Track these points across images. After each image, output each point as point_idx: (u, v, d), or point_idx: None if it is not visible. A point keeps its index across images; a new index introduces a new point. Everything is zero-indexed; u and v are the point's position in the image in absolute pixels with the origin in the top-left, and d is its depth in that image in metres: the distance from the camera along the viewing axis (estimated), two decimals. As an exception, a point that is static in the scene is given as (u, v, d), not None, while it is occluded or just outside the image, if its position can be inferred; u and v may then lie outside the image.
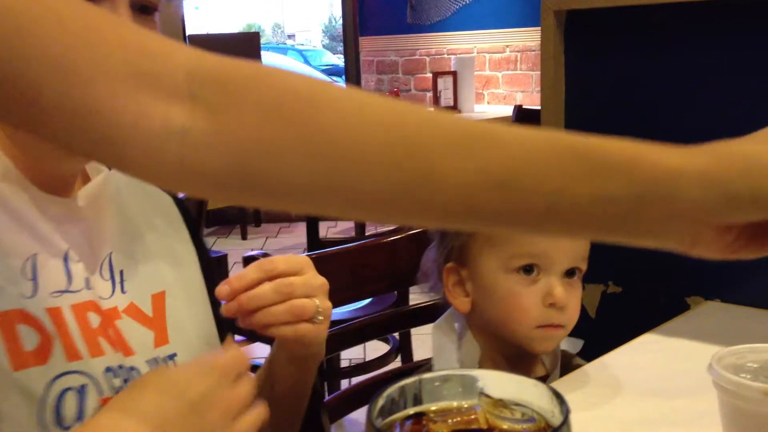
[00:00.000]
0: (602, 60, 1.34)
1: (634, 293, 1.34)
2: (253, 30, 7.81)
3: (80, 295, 0.69)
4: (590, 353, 1.08)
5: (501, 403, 0.50)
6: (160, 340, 0.75)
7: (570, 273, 0.99)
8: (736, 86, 1.20)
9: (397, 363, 2.37)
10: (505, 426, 0.49)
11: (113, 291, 0.73)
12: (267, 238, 5.45)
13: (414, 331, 2.04)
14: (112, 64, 0.47)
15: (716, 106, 1.22)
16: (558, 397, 0.48)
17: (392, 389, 0.48)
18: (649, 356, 1.05)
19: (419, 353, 2.35)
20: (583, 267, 1.00)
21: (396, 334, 2.47)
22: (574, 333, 1.08)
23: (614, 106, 1.33)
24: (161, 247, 0.81)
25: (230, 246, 5.15)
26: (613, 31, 1.32)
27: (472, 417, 0.49)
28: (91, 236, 0.72)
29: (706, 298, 1.26)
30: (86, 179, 0.76)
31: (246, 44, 5.85)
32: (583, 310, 1.39)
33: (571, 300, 0.98)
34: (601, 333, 1.11)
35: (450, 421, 0.49)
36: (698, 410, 0.82)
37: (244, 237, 5.38)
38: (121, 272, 0.75)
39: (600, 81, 1.34)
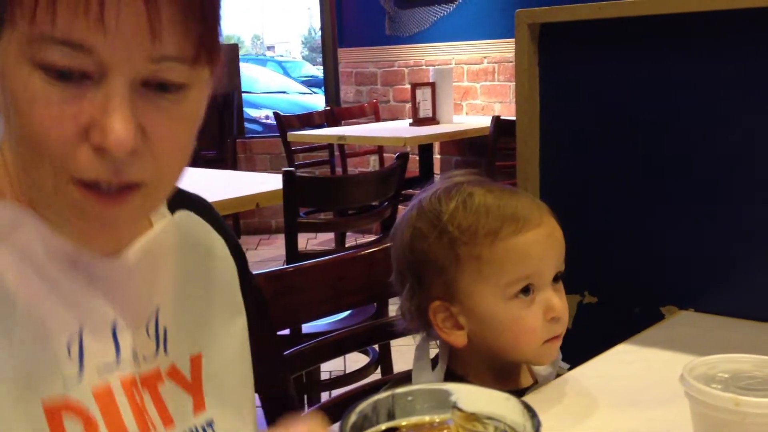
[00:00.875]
0: (576, 72, 1.35)
1: (609, 303, 1.35)
2: (232, 42, 7.80)
3: (128, 366, 0.65)
4: (571, 364, 1.08)
5: (473, 417, 0.51)
6: (197, 406, 0.73)
7: (555, 279, 0.99)
8: (709, 98, 1.22)
9: (377, 375, 2.37)
10: (477, 440, 0.49)
11: (157, 351, 0.70)
12: (247, 250, 5.41)
13: (393, 342, 2.04)
14: None
15: (691, 116, 1.24)
16: (529, 410, 0.48)
17: (364, 405, 0.49)
18: (624, 367, 1.06)
19: (399, 365, 2.35)
20: (563, 267, 1.01)
21: (376, 346, 2.47)
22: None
23: (589, 117, 1.35)
24: (205, 302, 0.77)
25: (209, 258, 5.11)
26: (587, 43, 1.33)
27: (446, 431, 0.50)
28: (141, 294, 0.69)
29: (680, 308, 1.27)
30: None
31: (225, 56, 5.83)
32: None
33: (564, 306, 0.99)
34: (577, 343, 1.12)
35: (423, 435, 0.49)
36: (672, 420, 0.82)
37: (223, 249, 5.34)
38: (165, 330, 0.71)
39: (574, 93, 1.36)
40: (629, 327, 1.19)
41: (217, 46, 0.62)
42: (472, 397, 0.52)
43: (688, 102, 1.24)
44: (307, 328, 2.24)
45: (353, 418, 0.47)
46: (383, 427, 0.49)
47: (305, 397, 2.55)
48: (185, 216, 0.76)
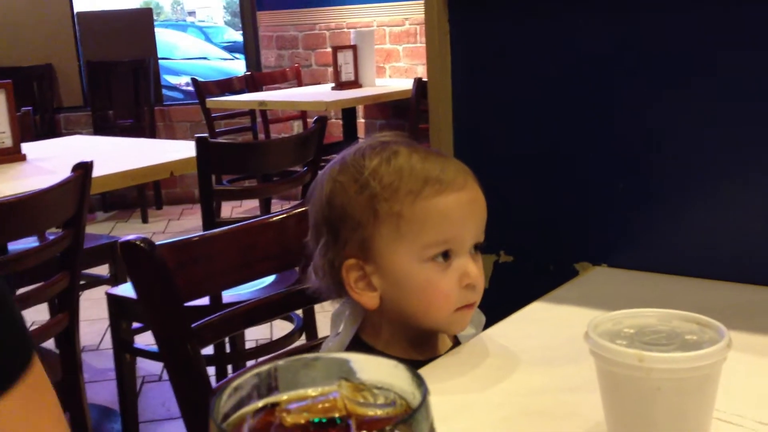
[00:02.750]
0: (487, 28, 1.32)
1: (524, 262, 1.34)
2: (149, 6, 7.55)
3: None
4: (487, 324, 1.07)
5: (362, 387, 0.48)
6: None
7: (476, 248, 0.97)
8: (614, 48, 1.21)
9: (303, 341, 2.35)
10: (363, 411, 0.46)
11: None
12: (169, 220, 5.31)
13: (318, 308, 2.01)
14: None
15: (599, 68, 1.23)
16: (417, 378, 0.46)
17: (240, 380, 0.45)
18: (536, 325, 1.05)
19: (324, 330, 2.33)
20: (482, 240, 0.98)
21: (300, 313, 2.44)
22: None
23: (501, 73, 1.32)
24: None
25: (130, 230, 5.00)
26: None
27: (330, 404, 0.46)
28: None
29: (593, 264, 1.27)
30: None
31: (138, 21, 5.65)
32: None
33: (480, 274, 0.96)
34: (494, 303, 1.10)
35: (306, 410, 0.46)
36: (582, 377, 0.81)
37: (145, 220, 5.23)
38: None
39: (485, 50, 1.33)
40: (544, 285, 1.18)
41: None
42: (360, 366, 0.49)
43: (594, 53, 1.22)
44: (228, 298, 2.19)
45: (226, 397, 0.44)
46: (260, 404, 0.45)
47: (230, 366, 2.52)
48: None
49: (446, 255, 0.93)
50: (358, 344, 0.99)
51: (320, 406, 0.46)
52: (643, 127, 1.20)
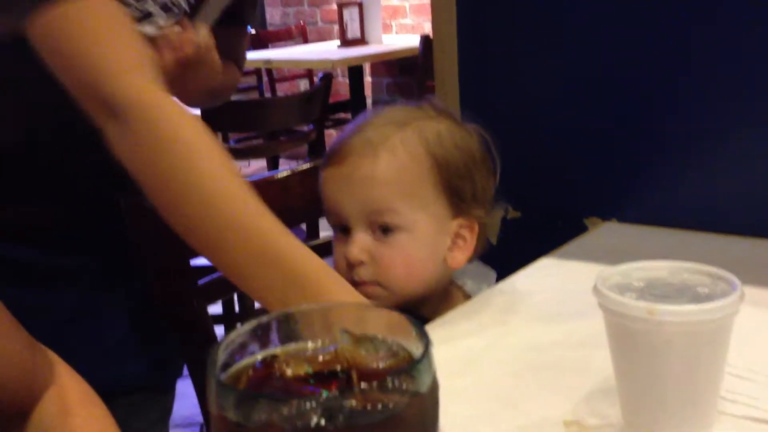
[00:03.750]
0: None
1: (533, 217, 1.32)
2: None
3: None
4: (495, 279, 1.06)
5: (364, 339, 0.47)
6: None
7: (384, 230, 0.93)
8: (627, 14, 1.17)
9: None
10: (365, 363, 0.45)
11: None
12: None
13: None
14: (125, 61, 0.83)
15: (613, 26, 1.19)
16: (419, 329, 0.44)
17: (237, 333, 0.44)
18: (544, 280, 1.03)
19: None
20: (396, 222, 0.93)
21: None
22: (484, 262, 1.06)
23: (510, 26, 1.29)
24: None
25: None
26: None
27: (331, 356, 0.45)
28: None
29: (603, 219, 1.25)
30: None
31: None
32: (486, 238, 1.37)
33: (381, 257, 0.93)
34: (504, 259, 1.09)
35: (306, 361, 0.45)
36: (590, 332, 0.80)
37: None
38: None
39: (492, 1, 1.29)
40: (553, 240, 1.16)
41: None
42: (361, 318, 0.47)
43: (603, 6, 1.19)
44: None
45: (223, 349, 0.42)
46: (259, 356, 0.44)
47: (239, 325, 2.52)
48: None
49: (347, 230, 0.95)
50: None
51: (321, 357, 0.45)
52: (652, 78, 1.17)
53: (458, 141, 0.97)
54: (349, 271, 0.94)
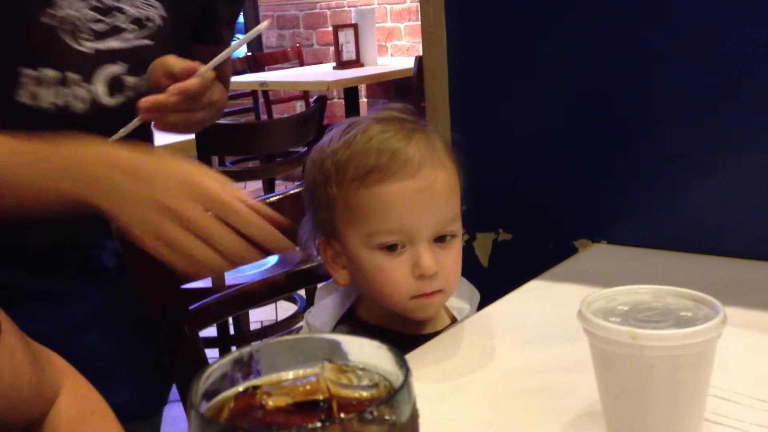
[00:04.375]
0: (483, 2, 1.30)
1: (524, 240, 1.33)
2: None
3: None
4: (485, 302, 1.06)
5: (345, 369, 0.47)
6: None
7: (440, 239, 0.92)
8: (618, 36, 1.19)
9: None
10: (345, 393, 0.45)
11: None
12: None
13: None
14: None
15: (602, 50, 1.21)
16: (400, 358, 0.45)
17: (219, 364, 0.44)
18: (534, 303, 1.04)
19: (326, 311, 2.32)
20: (456, 229, 0.93)
21: (303, 294, 2.44)
22: (476, 284, 1.07)
23: (499, 48, 1.30)
24: None
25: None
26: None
27: (312, 386, 0.46)
28: None
29: (593, 241, 1.26)
30: None
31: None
32: (477, 260, 1.38)
33: (445, 264, 0.92)
34: (494, 282, 1.10)
35: (287, 392, 0.45)
36: (577, 356, 0.80)
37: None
38: None
39: (481, 25, 1.31)
40: (544, 263, 1.17)
41: None
42: (344, 347, 0.48)
43: (591, 30, 1.20)
44: (231, 280, 2.19)
45: (204, 381, 0.43)
46: (241, 388, 0.45)
47: (234, 348, 2.53)
48: None
49: (395, 247, 0.90)
50: (351, 318, 0.99)
51: (302, 388, 0.46)
52: (641, 103, 1.18)
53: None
54: (415, 284, 0.91)
